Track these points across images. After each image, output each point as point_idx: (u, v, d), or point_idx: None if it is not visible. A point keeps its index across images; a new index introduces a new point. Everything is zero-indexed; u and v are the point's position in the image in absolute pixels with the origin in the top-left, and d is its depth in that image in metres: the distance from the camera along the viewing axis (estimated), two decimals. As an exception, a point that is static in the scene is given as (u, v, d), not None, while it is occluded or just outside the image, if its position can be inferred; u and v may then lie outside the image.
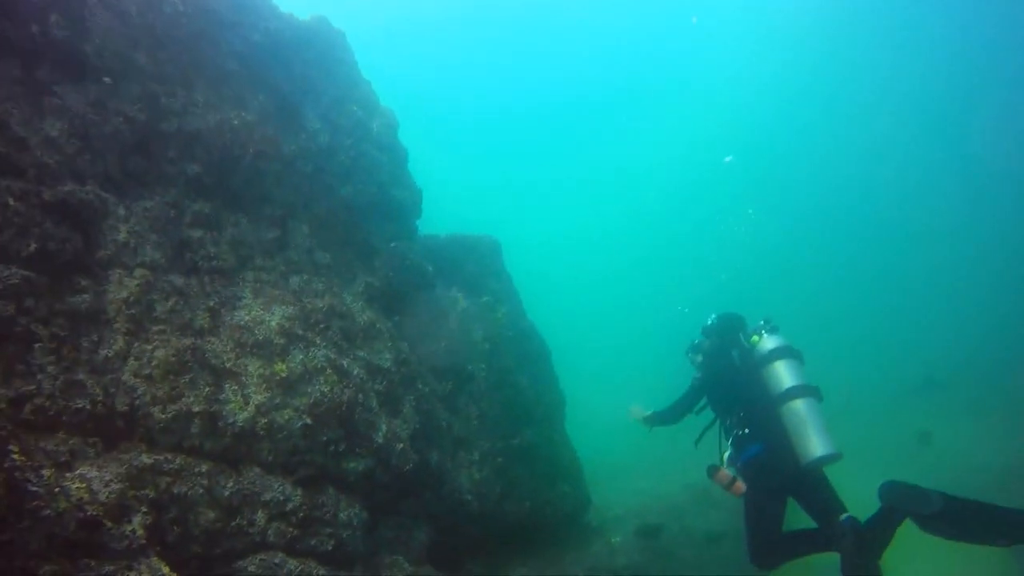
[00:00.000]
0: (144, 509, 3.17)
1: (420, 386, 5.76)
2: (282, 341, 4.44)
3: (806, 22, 31.87)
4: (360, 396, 4.82)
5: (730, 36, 34.83)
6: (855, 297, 31.33)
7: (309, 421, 4.34)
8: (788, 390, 4.81)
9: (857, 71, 32.87)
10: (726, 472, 4.94)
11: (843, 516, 4.31)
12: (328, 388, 4.53)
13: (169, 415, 3.80)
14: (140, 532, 2.95)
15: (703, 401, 5.43)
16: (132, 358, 3.80)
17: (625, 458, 14.10)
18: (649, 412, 5.75)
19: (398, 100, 7.20)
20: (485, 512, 6.38)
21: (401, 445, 5.15)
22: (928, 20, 27.98)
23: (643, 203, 41.39)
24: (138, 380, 3.76)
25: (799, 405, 4.73)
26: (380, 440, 4.92)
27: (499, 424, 6.62)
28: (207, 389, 4.02)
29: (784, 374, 4.88)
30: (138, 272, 4.02)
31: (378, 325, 5.51)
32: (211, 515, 3.77)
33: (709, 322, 5.56)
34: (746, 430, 4.88)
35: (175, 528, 3.59)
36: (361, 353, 5.18)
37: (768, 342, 5.07)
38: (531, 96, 42.46)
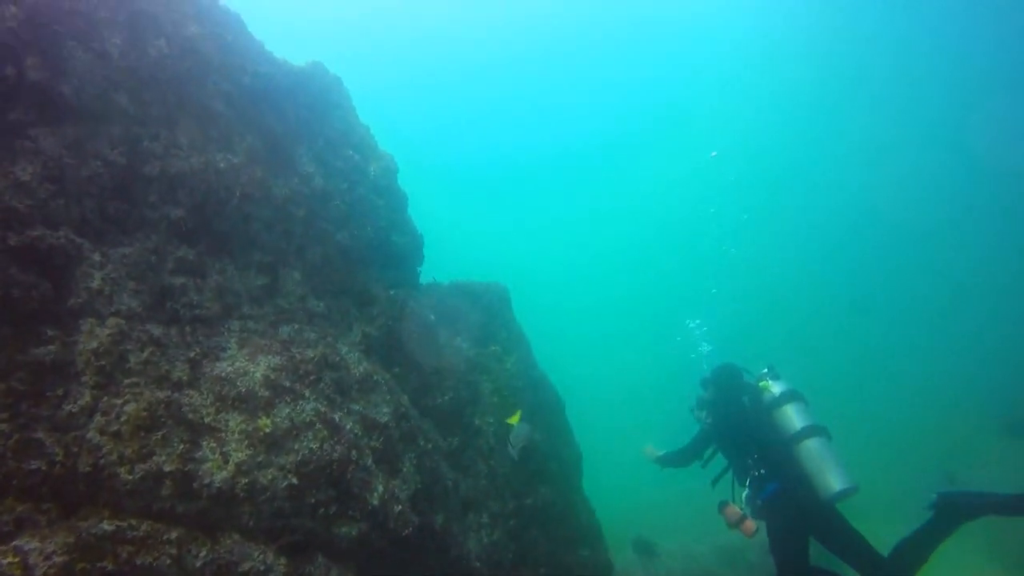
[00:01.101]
0: (93, 583, 2.83)
1: (422, 442, 5.42)
2: (267, 394, 4.16)
3: (803, 33, 32.18)
4: (354, 453, 4.49)
5: (727, 48, 35.32)
6: (859, 317, 30.73)
7: (295, 481, 4.01)
8: (802, 430, 5.14)
9: (855, 87, 32.91)
10: (735, 508, 5.24)
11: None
12: (317, 445, 4.21)
13: (137, 476, 3.50)
14: (84, 611, 2.61)
15: (711, 449, 5.73)
16: (99, 414, 3.54)
17: (648, 516, 13.42)
18: (662, 452, 6.04)
19: (401, 151, 7.12)
20: (493, 579, 5.91)
21: (400, 507, 4.77)
22: (926, 25, 28.03)
23: (645, 238, 41.64)
24: (104, 438, 3.49)
25: (814, 443, 5.07)
26: (376, 502, 4.55)
27: (510, 482, 6.21)
28: (182, 447, 3.72)
29: (795, 416, 5.23)
30: (111, 321, 3.80)
31: (375, 377, 5.22)
32: (180, 589, 3.41)
33: (708, 374, 5.89)
34: (762, 471, 5.15)
35: (137, 605, 3.24)
36: (356, 407, 4.87)
37: (775, 387, 5.42)
38: (532, 146, 43.71)
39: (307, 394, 4.41)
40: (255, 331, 4.52)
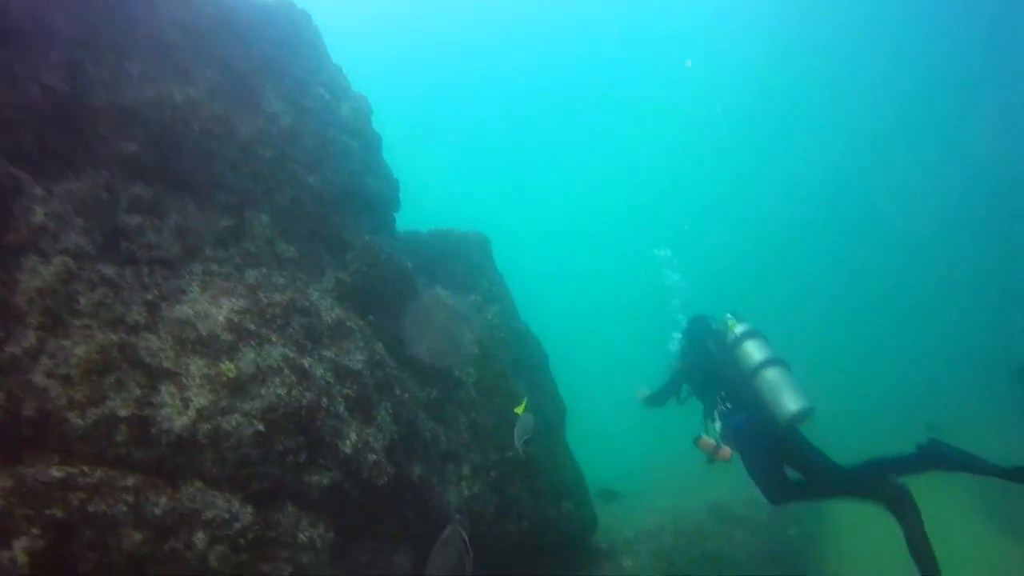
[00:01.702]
0: (35, 531, 2.69)
1: (399, 392, 5.28)
2: (230, 338, 3.99)
3: (799, 23, 31.60)
4: (324, 400, 4.35)
5: (718, 34, 34.64)
6: (844, 303, 30.89)
7: (262, 427, 3.87)
8: (760, 362, 5.48)
9: (850, 71, 32.45)
10: (708, 439, 5.61)
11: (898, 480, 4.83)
12: (285, 391, 4.06)
13: (89, 421, 3.34)
14: (23, 559, 2.47)
15: (686, 390, 6.12)
16: (46, 356, 3.36)
17: (638, 475, 13.51)
18: (650, 392, 6.29)
19: (374, 93, 6.81)
20: (478, 533, 5.83)
21: (374, 456, 4.66)
22: (924, 18, 27.62)
23: (630, 184, 41.27)
24: (52, 381, 3.31)
25: (771, 373, 5.40)
26: (348, 450, 4.43)
27: (493, 435, 6.10)
28: (138, 391, 3.56)
29: (754, 351, 5.57)
30: (58, 260, 3.59)
31: (349, 324, 5.05)
32: (137, 537, 3.28)
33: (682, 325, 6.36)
34: (729, 405, 5.57)
35: (90, 553, 3.10)
36: (327, 353, 4.71)
37: (737, 328, 5.76)
38: (518, 91, 42.44)
39: (274, 339, 4.24)
40: (219, 274, 4.32)
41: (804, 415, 5.24)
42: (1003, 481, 4.77)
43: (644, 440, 16.38)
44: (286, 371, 4.14)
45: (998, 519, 11.95)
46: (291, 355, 4.26)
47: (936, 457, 4.92)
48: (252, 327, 4.12)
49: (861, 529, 12.44)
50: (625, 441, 18.89)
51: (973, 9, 25.62)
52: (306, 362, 4.36)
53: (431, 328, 5.97)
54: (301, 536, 3.99)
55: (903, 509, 4.70)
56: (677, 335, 6.27)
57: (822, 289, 34.17)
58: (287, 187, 5.10)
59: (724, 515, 9.40)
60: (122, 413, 3.44)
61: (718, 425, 5.57)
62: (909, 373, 20.88)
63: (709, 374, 5.80)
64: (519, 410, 4.78)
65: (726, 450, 5.46)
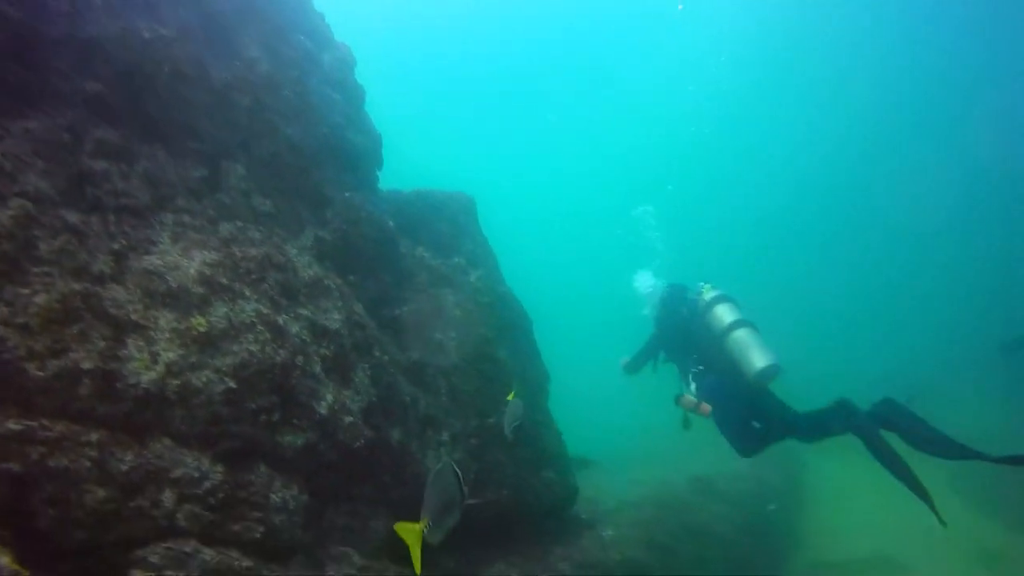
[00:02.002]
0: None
1: (378, 354, 5.17)
2: (202, 291, 3.84)
3: (799, 17, 31.31)
4: (299, 359, 4.24)
5: (717, 26, 34.15)
6: (841, 301, 31.13)
7: (234, 385, 3.76)
8: (729, 324, 5.75)
9: (848, 66, 32.26)
10: (689, 396, 5.90)
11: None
12: (258, 347, 3.94)
13: (50, 373, 3.20)
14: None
15: (663, 356, 6.38)
16: (2, 303, 3.20)
17: (622, 445, 13.60)
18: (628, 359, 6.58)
19: (359, 45, 6.57)
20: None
21: (351, 418, 4.57)
22: (924, 14, 27.47)
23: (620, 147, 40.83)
24: (9, 329, 3.16)
25: (739, 333, 5.68)
26: (324, 411, 4.34)
27: (474, 401, 6.03)
28: (103, 343, 3.42)
29: (724, 314, 5.84)
30: (15, 203, 3.41)
31: (327, 282, 4.92)
32: (101, 494, 3.18)
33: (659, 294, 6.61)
34: (701, 367, 5.90)
35: (50, 509, 2.99)
36: (304, 311, 4.58)
37: (709, 293, 6.07)
38: (500, 50, 41.30)
39: (248, 293, 4.10)
40: (191, 226, 4.16)
41: (771, 371, 5.51)
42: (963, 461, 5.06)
43: (628, 410, 16.49)
44: (260, 327, 4.01)
45: (975, 499, 12.22)
46: (265, 311, 4.13)
47: (887, 415, 5.14)
48: (225, 281, 3.98)
49: (839, 505, 12.68)
50: (609, 410, 19.03)
51: (974, 7, 25.50)
52: (281, 319, 4.23)
53: (413, 290, 5.85)
54: (274, 497, 3.91)
55: (871, 435, 5.03)
56: (648, 286, 6.71)
57: (814, 270, 34.34)
58: (265, 138, 4.91)
59: (706, 488, 9.47)
60: (86, 366, 3.30)
61: (693, 387, 5.91)
62: (895, 353, 21.12)
63: (683, 339, 6.11)
64: (510, 397, 4.72)
65: (706, 406, 5.75)
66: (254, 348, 3.91)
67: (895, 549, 10.41)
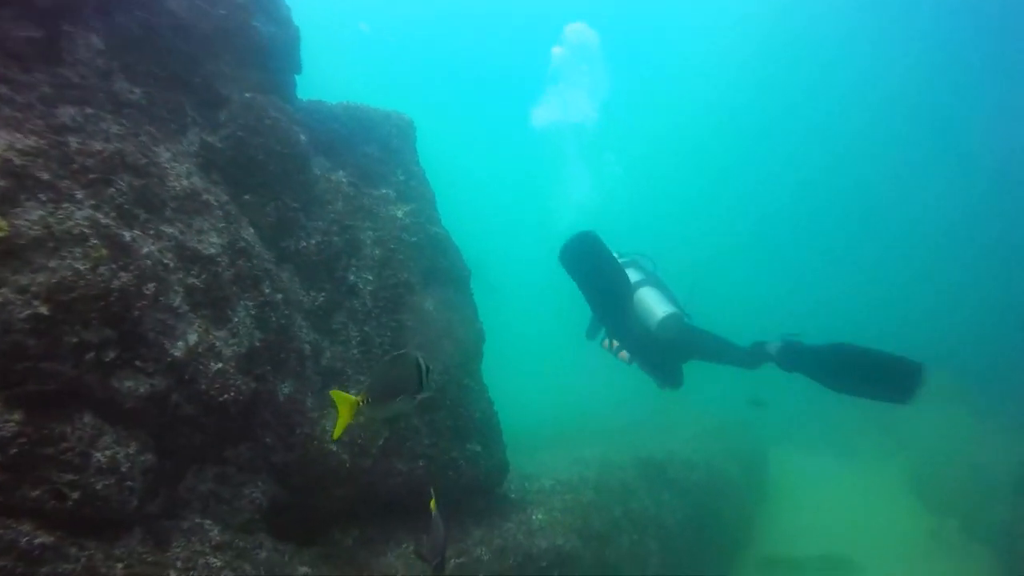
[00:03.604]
0: None
1: (268, 291, 4.50)
2: (4, 184, 3.10)
3: (798, 17, 30.59)
4: (151, 286, 3.56)
5: (715, 21, 33.26)
6: (839, 300, 31.15)
7: (45, 311, 3.07)
8: (633, 284, 6.64)
9: (849, 67, 31.72)
10: (614, 342, 6.97)
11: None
12: (88, 266, 3.24)
13: None
14: None
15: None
16: None
17: (568, 420, 13.21)
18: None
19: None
20: (360, 470, 5.22)
21: (220, 365, 3.93)
22: (925, 14, 26.94)
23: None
24: None
25: (639, 293, 6.63)
26: (179, 354, 3.68)
27: (389, 354, 5.39)
28: None
29: (632, 275, 6.73)
30: None
31: (207, 197, 4.20)
32: None
33: None
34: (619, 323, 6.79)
35: None
36: (169, 229, 3.88)
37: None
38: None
39: (80, 197, 3.38)
40: (7, 101, 3.38)
41: (672, 320, 6.43)
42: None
43: (580, 384, 16.15)
44: (94, 241, 3.31)
45: (931, 501, 12.26)
46: (106, 222, 3.42)
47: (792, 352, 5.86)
48: (46, 176, 3.24)
49: (796, 499, 12.55)
50: (560, 383, 18.70)
51: (977, 6, 25.03)
52: (129, 235, 3.52)
53: (324, 220, 5.15)
54: (98, 456, 3.27)
55: (790, 357, 5.83)
56: None
57: (813, 271, 34.26)
58: (135, 4, 4.10)
59: (655, 474, 9.07)
60: None
61: (616, 344, 6.97)
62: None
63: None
64: (432, 506, 4.12)
65: (625, 353, 6.87)
66: (82, 266, 3.21)
67: (849, 547, 10.32)
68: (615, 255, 6.67)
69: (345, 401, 3.06)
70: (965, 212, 28.30)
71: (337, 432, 3.16)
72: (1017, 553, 9.20)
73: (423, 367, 3.36)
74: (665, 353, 6.57)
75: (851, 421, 15.34)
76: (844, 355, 5.36)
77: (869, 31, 29.07)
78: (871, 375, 5.19)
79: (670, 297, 6.69)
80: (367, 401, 3.11)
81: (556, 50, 25.39)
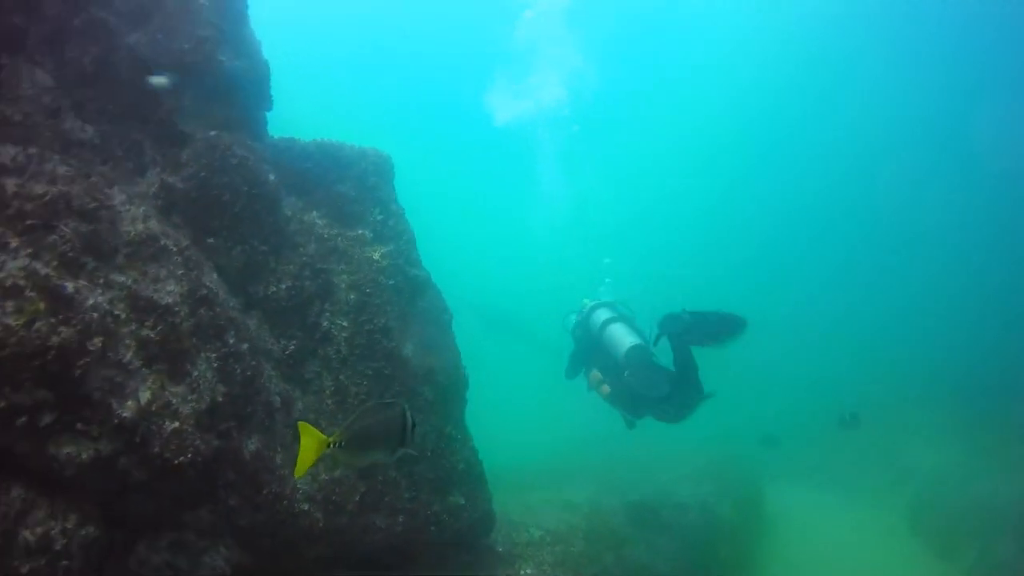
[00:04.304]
0: None
1: (233, 340, 4.18)
2: (-71, 232, 2.80)
3: (800, 21, 30.96)
4: (96, 341, 3.23)
5: (718, 27, 33.51)
6: (846, 301, 30.98)
7: (-32, 371, 2.73)
8: (602, 323, 7.59)
9: (851, 70, 32.05)
10: (597, 374, 7.47)
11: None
12: (21, 321, 2.92)
13: None
14: None
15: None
16: None
17: (552, 461, 12.80)
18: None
19: None
20: (335, 528, 4.85)
21: (174, 424, 3.58)
22: (927, 17, 27.34)
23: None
24: None
25: (610, 328, 7.45)
26: (129, 414, 3.34)
27: (365, 404, 5.06)
28: None
29: (598, 319, 7.74)
30: None
31: (164, 242, 3.90)
32: None
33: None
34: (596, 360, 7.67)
35: None
36: (120, 278, 3.57)
37: (588, 305, 8.11)
38: None
39: (16, 245, 3.07)
40: (-61, 142, 3.10)
41: (637, 351, 7.06)
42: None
43: (567, 415, 15.79)
44: (30, 293, 2.99)
45: (934, 542, 11.90)
46: (45, 272, 3.10)
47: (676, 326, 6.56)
48: (-26, 222, 2.93)
49: (794, 539, 12.14)
50: (547, 414, 18.33)
51: (978, 7, 25.39)
52: (72, 286, 3.20)
53: (295, 264, 4.85)
54: (26, 535, 2.90)
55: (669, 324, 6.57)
56: (573, 316, 8.39)
57: (811, 272, 34.08)
58: (88, 39, 3.85)
59: (647, 518, 8.68)
60: None
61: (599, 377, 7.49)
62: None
63: (585, 344, 7.94)
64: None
65: (607, 387, 7.30)
66: (13, 322, 2.88)
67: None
68: (584, 301, 8.16)
69: (312, 436, 2.74)
70: (970, 222, 28.27)
71: (299, 470, 2.78)
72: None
73: (409, 421, 3.07)
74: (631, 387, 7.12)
75: (849, 453, 15.04)
76: (701, 317, 6.47)
77: (867, 30, 29.22)
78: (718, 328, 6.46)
79: (636, 330, 7.39)
80: (340, 444, 2.79)
81: (528, 14, 24.07)
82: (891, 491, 14.24)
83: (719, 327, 6.40)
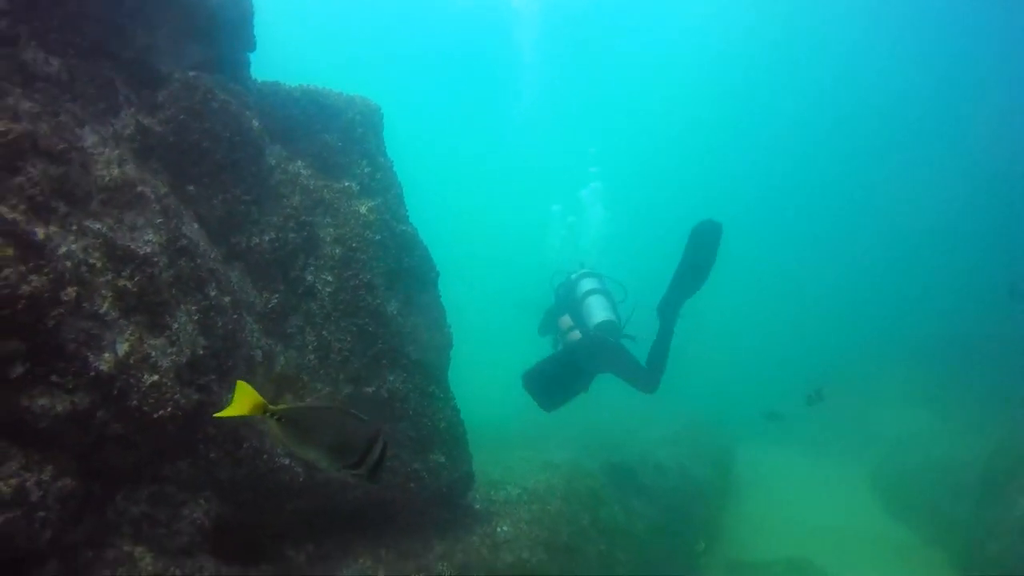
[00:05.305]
0: None
1: (214, 293, 4.05)
2: None
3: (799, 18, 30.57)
4: (70, 291, 3.10)
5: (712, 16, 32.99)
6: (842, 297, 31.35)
7: (-66, 320, 2.59)
8: (584, 293, 8.13)
9: (851, 67, 31.78)
10: (568, 320, 8.09)
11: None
12: (-11, 268, 2.76)
13: None
14: None
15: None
16: None
17: (532, 418, 12.87)
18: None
19: None
20: (315, 484, 4.81)
21: (154, 377, 3.47)
22: (926, 15, 27.09)
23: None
24: None
25: (589, 299, 8.05)
26: (107, 367, 3.22)
27: (349, 362, 5.01)
28: None
29: (583, 286, 8.25)
30: None
31: (141, 188, 3.73)
32: None
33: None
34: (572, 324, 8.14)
35: None
36: (95, 225, 3.41)
37: (575, 273, 8.64)
38: None
39: (-19, 188, 2.89)
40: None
41: (607, 324, 7.79)
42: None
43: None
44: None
45: (895, 502, 12.31)
46: (12, 216, 2.94)
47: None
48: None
49: (764, 499, 12.45)
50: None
51: (978, 6, 25.14)
52: (42, 231, 3.05)
53: (280, 215, 4.70)
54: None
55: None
56: (562, 277, 8.91)
57: (806, 268, 34.28)
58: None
59: (625, 480, 8.79)
60: None
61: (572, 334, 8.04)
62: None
63: (564, 305, 8.40)
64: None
65: (577, 333, 7.89)
66: (-18, 268, 2.74)
67: (814, 550, 10.23)
68: (579, 268, 8.75)
69: (249, 397, 2.41)
70: (932, 193, 28.48)
71: (220, 414, 2.48)
72: (983, 554, 9.14)
73: (377, 452, 2.60)
74: (601, 356, 7.70)
75: (821, 418, 15.37)
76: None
77: (866, 29, 29.05)
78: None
79: (611, 307, 8.03)
80: (282, 420, 2.43)
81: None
82: (858, 452, 14.73)
83: (701, 262, 7.01)
